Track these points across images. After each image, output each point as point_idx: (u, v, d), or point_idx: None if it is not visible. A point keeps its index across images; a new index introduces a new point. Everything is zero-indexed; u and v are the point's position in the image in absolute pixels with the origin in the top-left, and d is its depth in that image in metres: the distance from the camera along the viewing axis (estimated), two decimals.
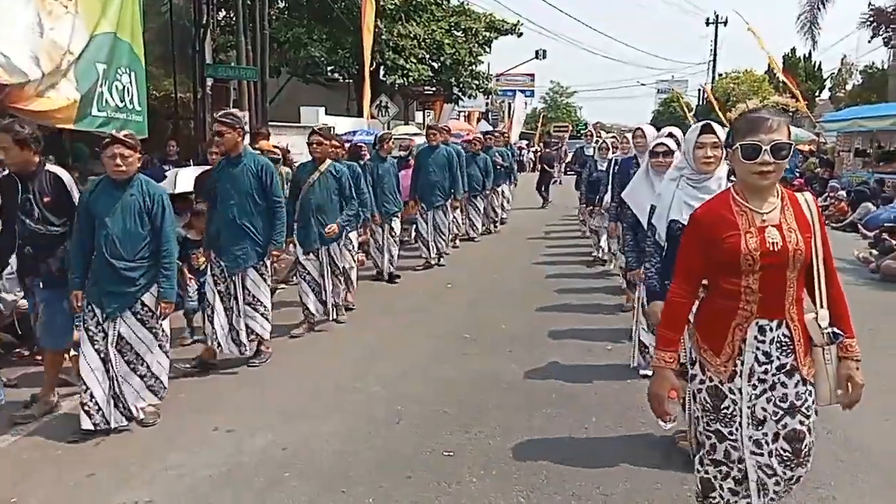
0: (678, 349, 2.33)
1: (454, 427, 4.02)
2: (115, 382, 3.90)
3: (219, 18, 15.47)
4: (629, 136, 7.39)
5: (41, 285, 4.14)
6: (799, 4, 27.37)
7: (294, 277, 6.63)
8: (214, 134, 4.91)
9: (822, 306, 2.22)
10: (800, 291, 2.24)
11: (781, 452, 2.19)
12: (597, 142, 9.20)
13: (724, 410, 2.27)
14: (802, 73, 32.82)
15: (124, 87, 6.65)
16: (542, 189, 17.49)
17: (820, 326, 2.19)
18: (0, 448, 3.81)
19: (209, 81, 12.30)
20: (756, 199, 2.22)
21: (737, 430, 2.25)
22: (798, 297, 2.22)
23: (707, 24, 39.47)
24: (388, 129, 14.41)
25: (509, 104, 35.71)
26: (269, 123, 12.45)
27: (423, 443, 3.82)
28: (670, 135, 5.01)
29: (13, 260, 4.32)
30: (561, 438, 3.88)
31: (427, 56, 20.78)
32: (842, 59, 33.76)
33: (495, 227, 12.55)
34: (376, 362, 5.22)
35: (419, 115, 26.40)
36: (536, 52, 34.75)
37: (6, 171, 4.25)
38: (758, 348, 2.22)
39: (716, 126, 3.26)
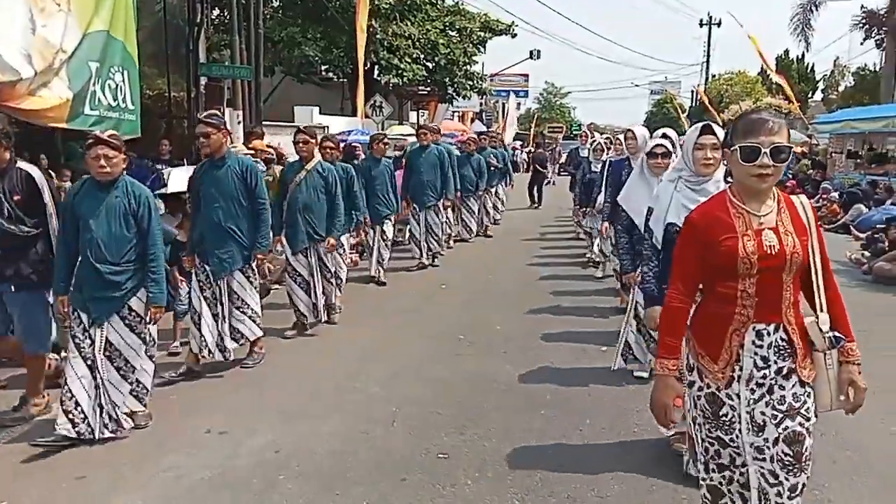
0: (680, 356, 2.30)
1: (449, 429, 4.02)
2: (102, 390, 3.80)
3: (213, 17, 15.39)
4: (621, 137, 7.41)
5: (13, 289, 4.01)
6: (792, 6, 27.52)
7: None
8: (198, 136, 4.80)
9: (822, 310, 2.19)
10: (796, 294, 2.21)
11: (782, 457, 2.14)
12: (592, 143, 9.19)
13: (724, 417, 2.23)
14: (795, 74, 33.01)
15: (117, 85, 6.60)
16: (535, 189, 17.50)
17: (821, 331, 2.16)
18: None
19: (203, 80, 12.24)
20: (753, 201, 2.19)
21: (737, 436, 2.22)
22: (795, 301, 2.20)
23: (701, 25, 39.63)
24: (383, 128, 14.39)
25: (503, 104, 35.71)
26: (264, 123, 12.41)
27: (419, 444, 3.81)
28: (664, 135, 5.01)
29: None
30: (556, 440, 3.87)
31: (421, 56, 20.76)
32: (834, 61, 34.05)
33: (489, 227, 12.50)
34: (370, 364, 5.20)
35: (413, 115, 26.38)
36: (531, 53, 34.73)
37: None
38: (756, 353, 2.18)
39: (716, 127, 3.21)
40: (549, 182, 24.19)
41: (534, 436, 3.93)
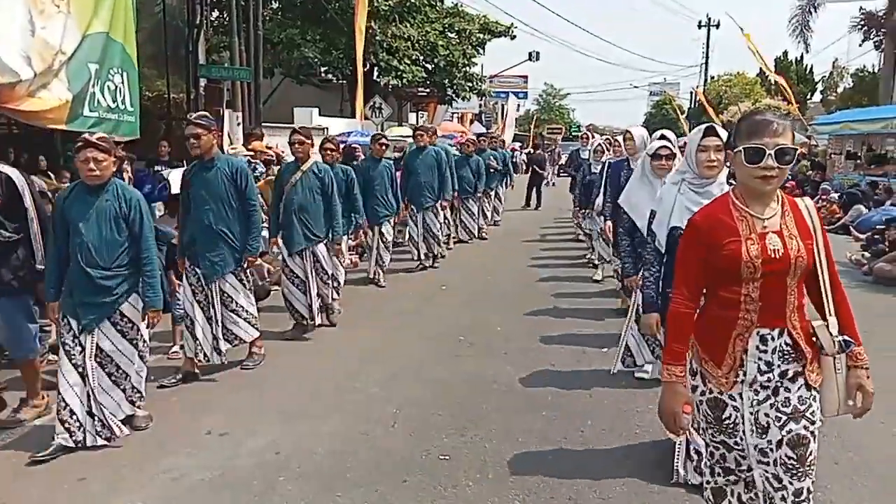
0: (687, 362, 2.26)
1: (450, 430, 4.01)
2: (93, 397, 3.73)
3: (212, 19, 15.39)
4: (620, 138, 7.41)
5: None
6: (790, 8, 27.55)
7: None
8: (188, 137, 4.68)
9: (830, 314, 2.16)
10: (800, 298, 2.17)
11: (785, 460, 2.11)
12: (592, 144, 9.17)
13: (726, 421, 2.21)
14: (794, 76, 33.06)
15: (116, 87, 6.59)
16: (533, 191, 17.48)
17: (831, 335, 2.13)
18: None
19: (202, 82, 12.24)
20: (757, 204, 2.16)
21: (741, 438, 2.19)
22: (800, 305, 2.16)
23: (699, 27, 39.63)
24: (382, 130, 14.38)
25: (502, 106, 35.73)
26: (263, 124, 12.41)
27: (419, 446, 3.80)
28: (662, 136, 5.00)
29: None
30: (557, 441, 3.87)
31: (421, 57, 20.77)
32: (833, 63, 34.07)
33: (482, 229, 12.40)
34: (370, 364, 5.19)
35: (413, 117, 26.39)
36: (530, 54, 34.77)
37: None
38: (760, 358, 2.15)
39: (719, 129, 3.17)
40: (548, 183, 24.21)
41: (535, 437, 3.92)
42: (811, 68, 36.35)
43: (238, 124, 11.73)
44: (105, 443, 3.76)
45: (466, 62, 22.77)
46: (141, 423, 4.01)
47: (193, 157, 4.85)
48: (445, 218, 9.94)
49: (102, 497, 3.27)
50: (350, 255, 7.79)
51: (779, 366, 2.14)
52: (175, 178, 7.59)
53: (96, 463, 3.61)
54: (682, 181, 3.22)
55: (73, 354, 3.74)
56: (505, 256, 10.26)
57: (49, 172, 8.41)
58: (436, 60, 21.26)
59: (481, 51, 23.77)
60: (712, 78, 40.36)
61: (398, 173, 8.65)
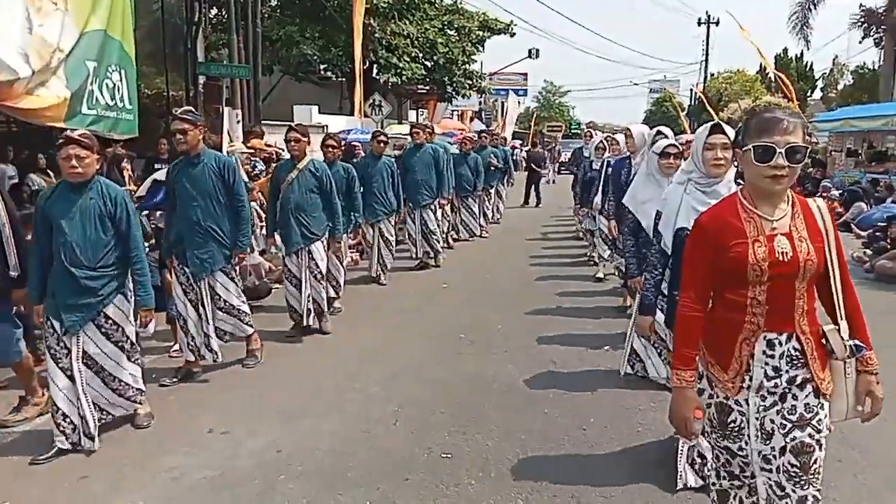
0: (697, 366, 2.21)
1: (452, 428, 3.99)
2: (85, 399, 3.67)
3: (211, 16, 15.37)
4: (619, 137, 7.39)
5: None
6: (790, 4, 27.51)
7: None
8: (175, 132, 4.59)
9: (842, 318, 2.11)
10: (811, 303, 2.11)
11: (788, 468, 2.06)
12: (593, 141, 9.13)
13: (731, 425, 2.17)
14: (794, 73, 33.02)
15: (114, 85, 6.57)
16: (531, 189, 17.46)
17: (842, 339, 2.09)
18: None
19: (201, 79, 12.23)
20: (765, 204, 2.09)
21: (746, 444, 2.15)
22: (810, 309, 2.11)
23: (699, 24, 39.56)
24: (382, 127, 14.37)
25: (502, 103, 35.70)
26: (262, 122, 12.39)
27: (421, 444, 3.79)
28: (659, 132, 4.97)
29: None
30: (559, 440, 3.86)
31: (420, 55, 20.75)
32: (833, 60, 34.05)
33: (484, 228, 12.38)
34: (371, 363, 5.18)
35: (413, 114, 26.36)
36: (529, 52, 34.75)
37: None
38: (766, 363, 2.09)
39: (726, 126, 3.10)
40: (549, 181, 24.18)
41: (536, 436, 3.91)
42: (811, 65, 36.36)
43: (237, 122, 11.70)
44: (94, 449, 3.69)
45: (466, 59, 22.75)
46: (142, 422, 3.99)
47: (179, 153, 4.75)
48: (444, 215, 9.91)
49: (103, 496, 3.26)
50: (351, 253, 7.77)
51: (787, 371, 2.09)
52: (162, 176, 7.56)
53: (97, 462, 3.60)
54: (689, 181, 3.13)
55: (60, 358, 3.66)
56: (505, 255, 10.25)
57: (48, 170, 8.40)
58: (435, 58, 21.24)
59: (481, 48, 23.74)
60: (712, 75, 40.31)
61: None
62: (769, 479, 2.11)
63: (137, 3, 7.88)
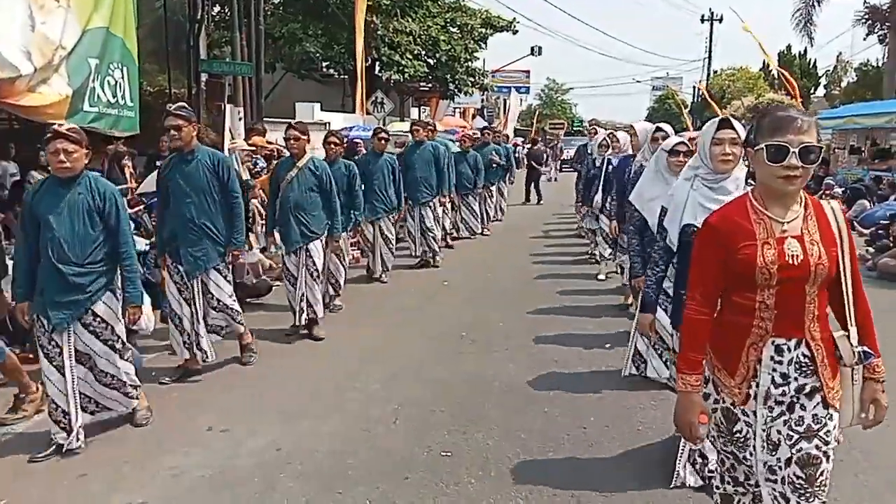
0: (703, 371, 2.16)
1: (452, 427, 3.99)
2: (73, 397, 3.64)
3: (213, 14, 15.33)
4: (619, 135, 7.36)
5: None
6: (794, 2, 27.41)
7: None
8: (169, 128, 4.52)
9: (852, 324, 2.07)
10: (822, 308, 2.05)
11: (794, 479, 2.02)
12: (597, 139, 9.08)
13: (737, 434, 2.13)
14: (798, 70, 32.93)
15: (116, 82, 6.56)
16: (531, 186, 17.41)
17: (851, 345, 2.04)
18: None
19: (203, 77, 12.20)
20: (777, 206, 2.03)
21: (751, 454, 2.11)
22: (821, 315, 2.05)
23: (702, 21, 39.46)
24: (384, 125, 14.35)
25: (504, 101, 35.64)
26: (265, 119, 12.37)
27: (421, 443, 3.78)
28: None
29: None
30: (559, 439, 3.85)
31: (422, 52, 20.70)
32: (837, 57, 33.97)
33: (488, 226, 12.33)
34: (372, 362, 5.17)
35: (415, 112, 26.32)
36: (532, 49, 34.67)
37: None
38: (774, 370, 2.04)
39: (734, 122, 3.03)
40: (550, 179, 24.14)
41: (537, 435, 3.90)
42: (815, 62, 36.25)
43: (239, 119, 11.69)
44: (81, 446, 3.67)
45: (468, 57, 22.70)
46: (141, 420, 3.98)
47: (174, 149, 4.69)
48: (445, 212, 9.87)
49: (102, 495, 3.26)
50: (352, 250, 7.76)
51: (795, 379, 2.04)
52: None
53: (97, 460, 3.60)
54: (696, 176, 3.06)
55: (53, 356, 3.62)
56: (507, 253, 10.23)
57: (49, 168, 8.39)
58: (437, 55, 21.19)
59: (483, 45, 23.68)
60: (715, 72, 40.23)
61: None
62: (774, 489, 2.07)
63: (140, 1, 7.86)
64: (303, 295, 5.66)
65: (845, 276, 2.06)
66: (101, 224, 3.67)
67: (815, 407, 2.04)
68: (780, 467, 2.05)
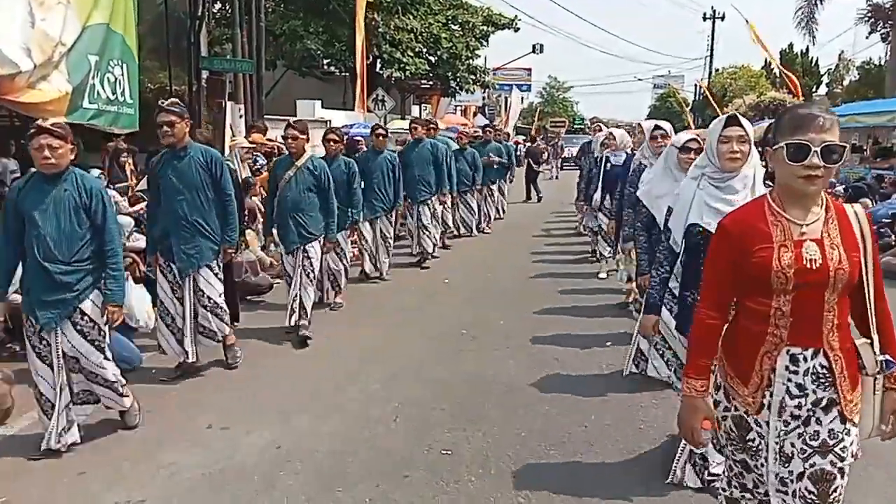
0: (710, 377, 2.10)
1: (452, 425, 3.98)
2: (66, 390, 3.59)
3: (214, 11, 15.32)
4: (616, 132, 7.34)
5: None
6: (796, 0, 27.36)
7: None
8: (161, 125, 4.44)
9: (874, 332, 1.99)
10: (843, 317, 1.96)
11: (805, 494, 1.94)
12: (599, 137, 9.06)
13: (750, 442, 2.06)
14: (800, 68, 32.90)
15: (116, 79, 6.56)
16: (530, 184, 17.37)
17: (874, 354, 1.96)
18: None
19: (204, 74, 12.18)
20: (796, 207, 1.95)
21: (762, 464, 2.04)
22: (841, 324, 1.96)
23: (704, 19, 39.41)
24: (385, 122, 14.33)
25: (506, 98, 35.61)
26: (266, 117, 12.36)
27: (421, 442, 3.77)
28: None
29: None
30: (560, 437, 3.84)
31: (424, 50, 20.69)
32: (839, 55, 33.92)
33: (489, 224, 12.31)
34: (372, 362, 5.16)
35: (416, 110, 26.31)
36: (533, 47, 34.65)
37: None
38: (789, 380, 1.96)
39: (742, 119, 2.96)
40: (552, 177, 24.12)
41: (537, 433, 3.89)
42: (817, 61, 36.20)
43: (240, 116, 11.68)
44: (74, 441, 3.64)
45: (470, 54, 22.69)
46: (132, 421, 3.88)
47: (166, 146, 4.62)
48: (446, 210, 9.83)
49: (102, 492, 3.25)
50: (353, 248, 7.74)
51: (813, 391, 1.96)
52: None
53: (96, 459, 3.59)
54: (702, 175, 2.97)
55: (45, 356, 3.57)
56: (507, 251, 10.21)
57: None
58: (439, 53, 21.19)
59: (485, 43, 23.68)
60: (717, 70, 40.17)
61: None
62: (784, 500, 2.01)
63: None
64: (296, 296, 5.59)
65: (867, 282, 1.97)
66: (88, 221, 3.58)
67: (831, 421, 1.96)
68: (791, 480, 1.99)
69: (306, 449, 3.70)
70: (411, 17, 19.98)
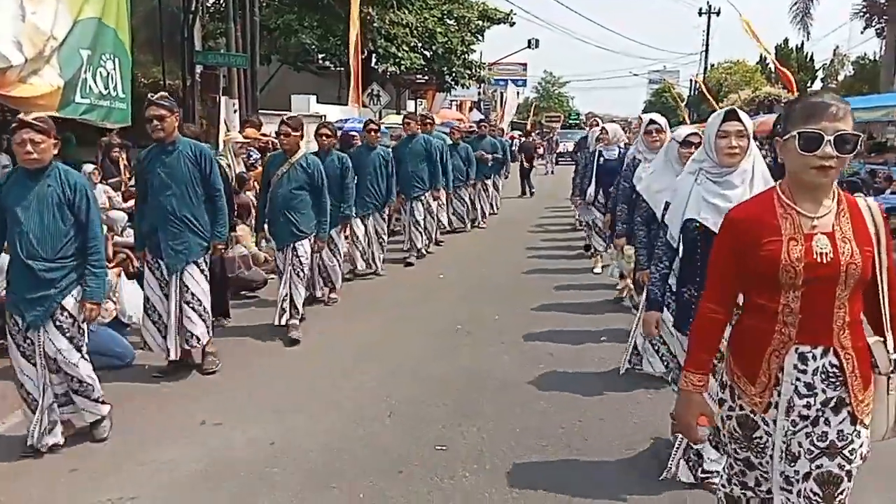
0: (710, 372, 2.06)
1: (447, 421, 3.97)
2: (48, 389, 3.54)
3: (208, 5, 15.25)
4: (609, 126, 7.33)
5: None
6: None
7: None
8: (151, 119, 4.38)
9: (888, 329, 1.93)
10: (855, 314, 1.90)
11: (810, 495, 1.89)
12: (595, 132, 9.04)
13: (756, 440, 2.00)
14: (795, 63, 32.95)
15: (108, 73, 6.51)
16: (524, 179, 17.37)
17: (888, 352, 1.90)
18: None
19: (198, 69, 12.12)
20: (807, 199, 1.88)
21: (767, 462, 1.99)
22: (853, 321, 1.89)
23: (700, 14, 39.40)
24: (380, 118, 14.29)
25: (501, 93, 35.58)
26: (260, 111, 12.30)
27: (416, 438, 3.77)
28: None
29: None
30: (555, 433, 3.83)
31: (419, 44, 20.63)
32: (834, 51, 33.98)
33: (484, 219, 12.28)
34: (366, 357, 5.15)
35: (411, 105, 26.25)
36: (529, 42, 34.58)
37: None
38: (798, 379, 1.90)
39: (741, 113, 2.89)
40: (546, 172, 24.10)
41: (532, 428, 3.89)
42: (812, 56, 36.29)
43: (234, 111, 11.63)
44: (57, 441, 3.58)
45: (465, 49, 22.63)
46: (100, 434, 3.73)
47: (155, 140, 4.55)
48: (441, 206, 9.79)
49: (93, 488, 3.23)
50: (347, 242, 7.70)
51: (823, 391, 1.89)
52: None
53: (90, 455, 3.58)
54: (700, 170, 2.93)
55: (29, 355, 3.52)
56: (502, 246, 10.20)
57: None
58: (434, 47, 21.12)
59: (480, 38, 23.62)
60: (712, 66, 40.23)
61: None
62: (788, 499, 1.95)
63: None
64: (286, 294, 5.51)
65: (881, 278, 1.91)
66: (72, 217, 3.51)
67: (840, 422, 1.90)
68: (797, 480, 1.93)
69: (300, 444, 3.68)
70: (406, 12, 19.90)
